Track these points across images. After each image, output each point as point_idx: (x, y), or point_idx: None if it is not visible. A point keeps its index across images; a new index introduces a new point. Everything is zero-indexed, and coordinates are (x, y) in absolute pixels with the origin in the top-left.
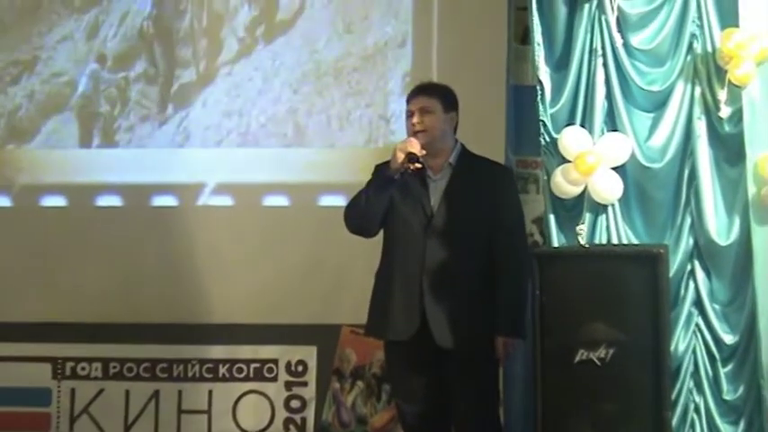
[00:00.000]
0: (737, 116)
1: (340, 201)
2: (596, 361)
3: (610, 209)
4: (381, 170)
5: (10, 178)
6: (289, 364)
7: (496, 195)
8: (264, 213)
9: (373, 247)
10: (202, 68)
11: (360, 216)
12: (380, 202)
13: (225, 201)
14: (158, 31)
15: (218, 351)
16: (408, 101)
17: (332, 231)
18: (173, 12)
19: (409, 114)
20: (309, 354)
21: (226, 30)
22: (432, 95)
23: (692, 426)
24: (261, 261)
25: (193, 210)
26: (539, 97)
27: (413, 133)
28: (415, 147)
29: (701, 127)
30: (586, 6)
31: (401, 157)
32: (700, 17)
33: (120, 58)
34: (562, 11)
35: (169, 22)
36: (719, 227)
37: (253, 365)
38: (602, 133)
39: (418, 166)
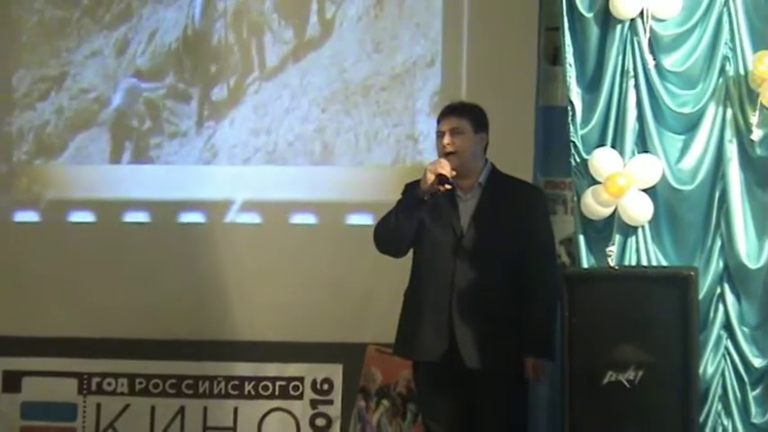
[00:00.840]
0: None
1: (368, 219)
2: (625, 383)
3: (640, 231)
4: (411, 189)
5: (38, 193)
6: (314, 382)
7: (526, 215)
8: (292, 231)
9: (400, 266)
10: (231, 86)
11: (389, 237)
12: (410, 223)
13: (252, 218)
14: (188, 48)
15: (243, 368)
16: (439, 121)
17: (359, 250)
18: (202, 29)
19: (439, 135)
20: (335, 372)
21: (255, 48)
22: (462, 116)
23: None
24: (287, 279)
25: (221, 227)
26: (569, 118)
27: (443, 154)
28: (446, 168)
29: (732, 150)
30: (618, 27)
31: (431, 178)
32: (732, 39)
33: (149, 74)
34: (594, 31)
35: (199, 39)
36: (749, 250)
37: (278, 383)
38: (633, 155)
39: (448, 187)
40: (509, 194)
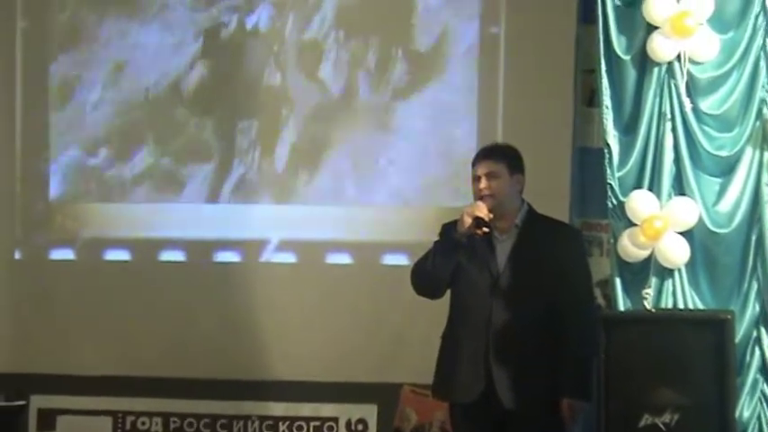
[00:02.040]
0: None
1: (403, 260)
2: (661, 426)
3: (676, 273)
4: (448, 230)
5: (74, 231)
6: (349, 423)
7: (563, 257)
8: (327, 271)
9: (435, 306)
10: (269, 123)
11: (426, 278)
12: (447, 265)
13: (288, 257)
14: (225, 81)
15: (278, 408)
16: (474, 164)
17: (394, 290)
18: (240, 62)
19: (476, 178)
20: (370, 412)
21: (294, 84)
22: (498, 159)
23: None
24: (323, 318)
25: (256, 266)
26: (606, 160)
27: (479, 197)
28: (483, 211)
29: None
30: (656, 70)
31: (468, 221)
32: None
33: (185, 108)
34: (631, 74)
35: (236, 72)
36: None
37: (313, 423)
38: (670, 197)
39: (486, 230)
40: (546, 236)
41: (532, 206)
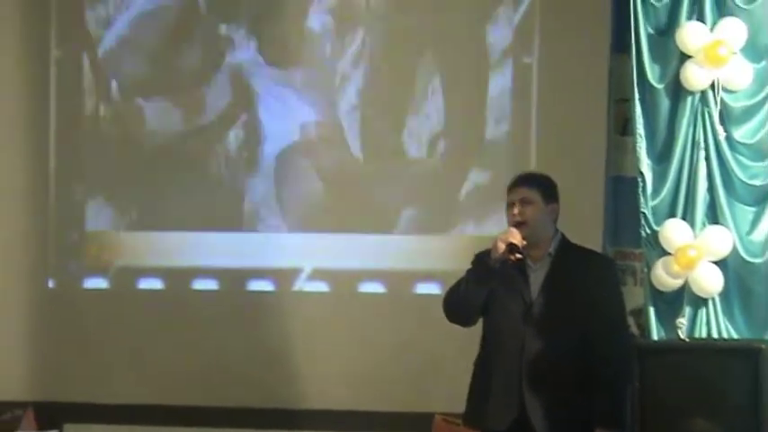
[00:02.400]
0: None
1: (436, 289)
2: None
3: (710, 302)
4: (481, 259)
5: (108, 260)
6: None
7: (597, 286)
8: (360, 300)
9: (468, 335)
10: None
11: (459, 305)
12: (480, 292)
13: (320, 287)
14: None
15: None
16: (509, 191)
17: (426, 319)
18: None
19: (509, 205)
20: None
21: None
22: (532, 186)
23: None
24: (355, 347)
25: (289, 295)
26: (640, 189)
27: (513, 224)
28: (516, 237)
29: None
30: (689, 99)
31: (502, 247)
32: None
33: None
34: (665, 103)
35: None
36: None
37: None
38: (704, 226)
39: (519, 256)
40: (579, 264)
41: (566, 235)
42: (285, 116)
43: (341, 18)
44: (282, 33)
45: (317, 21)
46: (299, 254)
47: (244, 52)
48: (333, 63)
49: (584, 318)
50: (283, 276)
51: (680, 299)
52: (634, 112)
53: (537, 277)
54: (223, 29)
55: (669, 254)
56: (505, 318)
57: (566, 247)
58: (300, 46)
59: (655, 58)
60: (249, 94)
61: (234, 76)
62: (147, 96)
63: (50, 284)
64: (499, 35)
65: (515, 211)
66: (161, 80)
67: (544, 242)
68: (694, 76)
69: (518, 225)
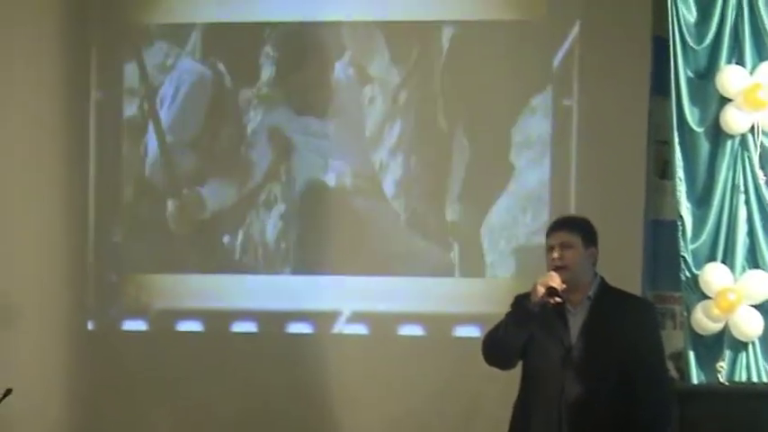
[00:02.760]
0: None
1: (475, 332)
2: None
3: (750, 346)
4: (521, 302)
5: (146, 302)
6: None
7: (636, 330)
8: (399, 343)
9: (508, 378)
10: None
11: (498, 348)
12: (519, 335)
13: (360, 329)
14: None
15: None
16: (548, 235)
17: (466, 362)
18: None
19: (549, 249)
20: None
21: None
22: (572, 230)
23: None
24: (394, 390)
25: (328, 338)
26: (680, 233)
27: (553, 268)
28: (556, 281)
29: None
30: (729, 143)
31: (541, 291)
32: None
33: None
34: (704, 146)
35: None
36: None
37: None
38: (744, 270)
39: (558, 300)
40: (618, 308)
41: (605, 279)
42: (321, 166)
43: (365, 71)
44: (311, 85)
45: (342, 72)
46: (338, 296)
47: (275, 110)
48: (364, 112)
49: (624, 362)
50: (322, 319)
51: (720, 342)
52: (674, 155)
53: (576, 321)
54: (249, 93)
55: (709, 297)
56: (545, 361)
57: (605, 290)
58: (330, 96)
59: (694, 101)
60: (287, 147)
61: (271, 133)
62: (186, 150)
63: (90, 326)
64: (539, 77)
65: (555, 255)
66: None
67: (583, 286)
68: (734, 120)
69: (558, 269)
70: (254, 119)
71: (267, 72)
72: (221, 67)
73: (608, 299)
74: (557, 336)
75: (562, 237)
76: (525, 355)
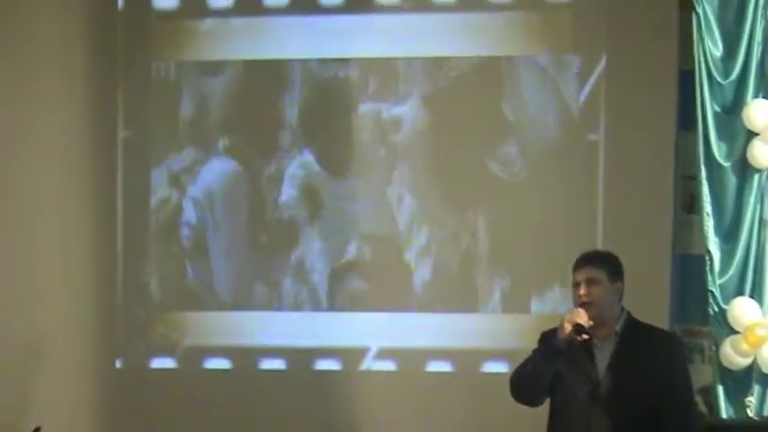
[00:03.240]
0: None
1: (503, 368)
2: None
3: None
4: (547, 338)
5: (175, 340)
6: None
7: (665, 365)
8: (427, 379)
9: (536, 415)
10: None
11: (525, 385)
12: (546, 372)
13: (388, 366)
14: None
15: None
16: (575, 270)
17: (494, 398)
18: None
19: (575, 284)
20: None
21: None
22: (598, 266)
23: None
24: (423, 427)
25: (356, 374)
26: (707, 267)
27: (579, 304)
28: (582, 318)
29: None
30: (756, 176)
31: (569, 328)
32: None
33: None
34: (731, 180)
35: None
36: None
37: None
38: None
39: (586, 337)
40: (646, 343)
41: (631, 313)
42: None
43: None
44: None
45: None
46: (366, 333)
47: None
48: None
49: (652, 397)
50: (350, 355)
51: (749, 377)
52: (701, 190)
53: (603, 356)
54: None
55: (737, 332)
56: (572, 397)
57: (632, 325)
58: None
59: (721, 135)
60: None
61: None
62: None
63: (118, 365)
64: (565, 112)
65: (582, 291)
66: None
67: (610, 321)
68: (761, 154)
69: (584, 305)
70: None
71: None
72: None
73: (635, 334)
74: (584, 372)
75: (588, 272)
76: (552, 392)
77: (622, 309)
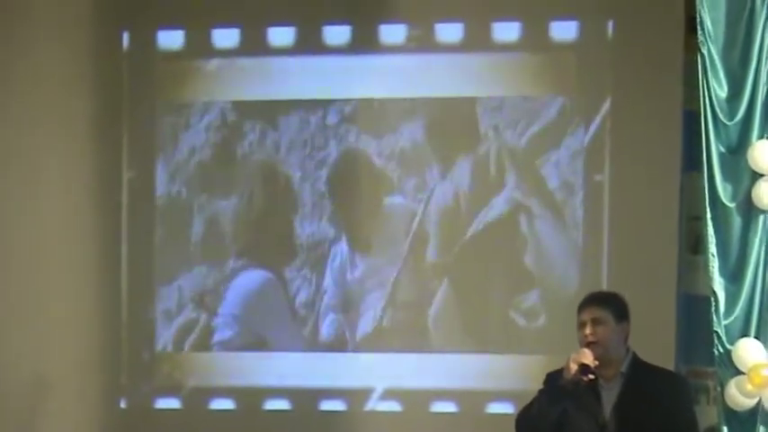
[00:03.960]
0: None
1: (508, 408)
2: None
3: None
4: (553, 378)
5: (179, 380)
6: None
7: (671, 405)
8: (432, 420)
9: None
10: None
11: (531, 426)
12: (552, 413)
13: (393, 406)
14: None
15: None
16: (580, 310)
17: None
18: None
19: (581, 325)
20: None
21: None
22: (603, 306)
23: None
24: None
25: (361, 415)
26: (713, 308)
27: (585, 344)
28: (588, 358)
29: None
30: (761, 217)
31: (574, 368)
32: None
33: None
34: (737, 221)
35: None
36: None
37: None
38: None
39: (592, 377)
40: (652, 384)
41: (637, 354)
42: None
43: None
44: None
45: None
46: (371, 374)
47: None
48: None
49: None
50: (355, 396)
51: (754, 418)
52: (706, 230)
53: (609, 397)
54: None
55: (742, 373)
56: None
57: (638, 365)
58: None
59: (726, 176)
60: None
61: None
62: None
63: (122, 405)
64: (571, 153)
65: (587, 331)
66: None
67: (616, 361)
68: (766, 195)
69: (590, 345)
70: None
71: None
72: None
73: (641, 374)
74: (590, 412)
75: (594, 312)
76: None
77: (628, 349)
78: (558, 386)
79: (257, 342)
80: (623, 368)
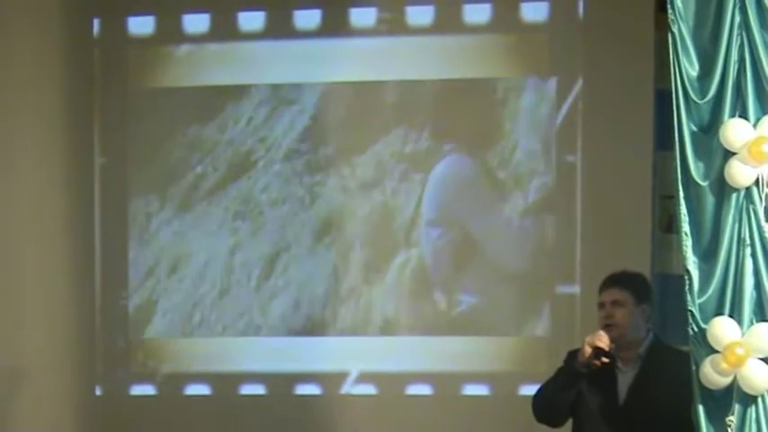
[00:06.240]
0: None
1: (483, 390)
2: None
3: (759, 400)
4: (572, 358)
5: (154, 367)
6: None
7: (687, 388)
8: (407, 402)
9: None
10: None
11: (547, 406)
12: (567, 394)
13: (368, 389)
14: None
15: None
16: (600, 291)
17: (475, 420)
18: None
19: (600, 305)
20: None
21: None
22: (623, 288)
23: None
24: None
25: (336, 398)
26: (686, 287)
27: (603, 326)
28: (603, 341)
29: None
30: (734, 196)
31: (588, 351)
32: None
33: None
34: (710, 200)
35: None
36: None
37: None
38: (752, 324)
39: (606, 360)
40: (669, 366)
41: (659, 336)
42: None
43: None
44: None
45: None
46: (346, 357)
47: None
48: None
49: (676, 420)
50: (330, 380)
51: (729, 397)
52: (679, 209)
53: (626, 379)
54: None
55: (717, 352)
56: (593, 420)
57: (657, 348)
58: None
59: (699, 155)
60: None
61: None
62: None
63: (98, 392)
64: (541, 132)
65: (604, 313)
66: None
67: (634, 344)
68: (739, 173)
69: (606, 327)
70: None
71: None
72: None
73: (659, 356)
74: (605, 394)
75: (612, 294)
76: (574, 414)
77: (648, 330)
78: (572, 369)
79: (233, 327)
80: (641, 350)
